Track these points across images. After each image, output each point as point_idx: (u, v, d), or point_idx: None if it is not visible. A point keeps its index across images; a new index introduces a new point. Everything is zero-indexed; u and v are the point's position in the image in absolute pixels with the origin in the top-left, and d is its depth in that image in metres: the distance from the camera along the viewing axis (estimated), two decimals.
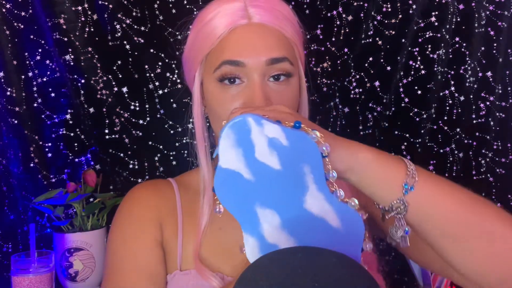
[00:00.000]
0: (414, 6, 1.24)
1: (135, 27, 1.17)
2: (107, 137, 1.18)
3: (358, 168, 0.62)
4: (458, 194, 0.64)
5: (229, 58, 0.75)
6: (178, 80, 1.20)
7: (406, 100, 1.26)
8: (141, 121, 1.19)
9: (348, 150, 0.62)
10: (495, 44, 1.24)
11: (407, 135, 1.27)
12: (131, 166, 1.19)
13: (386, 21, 1.25)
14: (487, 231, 0.63)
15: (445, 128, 1.27)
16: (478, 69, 1.25)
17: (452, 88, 1.26)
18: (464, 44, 1.25)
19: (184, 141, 1.21)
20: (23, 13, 1.11)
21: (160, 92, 1.20)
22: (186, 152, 1.21)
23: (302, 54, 0.83)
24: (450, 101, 1.26)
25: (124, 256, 0.80)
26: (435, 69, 1.25)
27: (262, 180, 0.59)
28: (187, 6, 1.19)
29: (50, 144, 1.15)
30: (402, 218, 0.62)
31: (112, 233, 0.85)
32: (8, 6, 1.10)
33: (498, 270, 0.63)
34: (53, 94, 1.15)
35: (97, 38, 1.16)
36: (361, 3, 1.24)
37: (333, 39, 1.26)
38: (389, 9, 1.24)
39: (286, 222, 0.59)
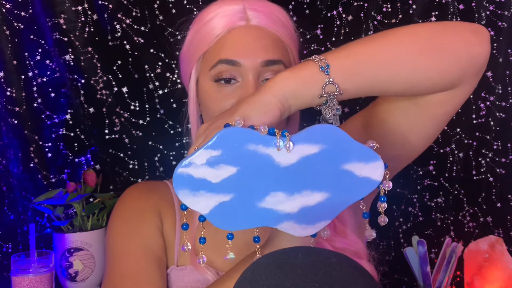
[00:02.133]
0: (414, 6, 1.24)
1: (135, 27, 1.17)
2: (107, 137, 1.18)
3: (281, 93, 0.63)
4: (367, 40, 0.67)
5: (225, 57, 0.77)
6: (178, 80, 1.20)
7: None
8: (141, 121, 1.19)
9: (263, 94, 0.62)
10: (495, 44, 1.24)
11: None
12: (131, 166, 1.19)
13: (386, 21, 1.25)
14: (421, 45, 0.66)
15: (445, 128, 1.27)
16: None
17: None
18: None
19: (184, 141, 1.21)
20: (23, 13, 1.11)
21: (160, 92, 1.20)
22: (186, 152, 1.20)
23: (296, 59, 0.85)
24: None
25: (130, 242, 0.81)
26: None
27: (238, 187, 0.59)
28: (187, 6, 1.19)
29: (50, 144, 1.15)
30: (334, 99, 0.64)
31: (113, 224, 0.85)
32: (8, 6, 1.10)
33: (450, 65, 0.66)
34: (53, 94, 1.15)
35: (97, 38, 1.16)
36: (361, 3, 1.24)
37: (333, 39, 1.25)
38: (389, 9, 1.24)
39: (288, 189, 0.59)
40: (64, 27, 1.13)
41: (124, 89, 1.18)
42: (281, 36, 0.80)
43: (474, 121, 1.26)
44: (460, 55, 0.67)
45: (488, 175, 1.26)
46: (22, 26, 1.11)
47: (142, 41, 1.17)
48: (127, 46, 1.17)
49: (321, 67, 0.63)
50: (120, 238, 0.82)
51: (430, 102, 0.71)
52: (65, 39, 1.13)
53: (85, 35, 1.15)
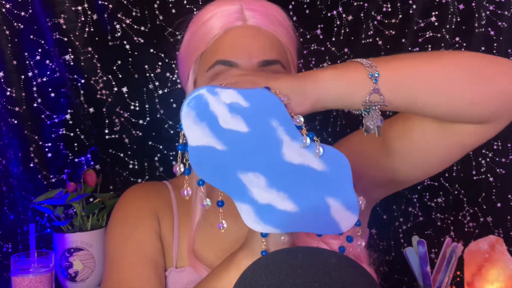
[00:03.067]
0: (414, 6, 1.24)
1: (135, 27, 1.17)
2: (107, 137, 1.18)
3: (325, 92, 0.62)
4: (419, 56, 0.68)
5: (222, 58, 0.76)
6: (178, 80, 1.20)
7: None
8: (141, 121, 1.19)
9: (306, 84, 0.62)
10: (495, 44, 1.24)
11: None
12: (131, 166, 1.19)
13: (386, 21, 1.25)
14: (470, 74, 0.65)
15: None
16: None
17: None
18: (464, 44, 1.25)
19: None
20: (23, 13, 1.11)
21: (160, 92, 1.20)
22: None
23: (295, 59, 0.85)
24: None
25: (127, 245, 0.81)
26: None
27: (236, 146, 0.58)
28: (187, 6, 1.19)
29: (50, 144, 1.15)
30: (378, 108, 0.64)
31: (111, 228, 0.85)
32: (8, 6, 1.10)
33: (487, 102, 0.66)
34: (53, 94, 1.15)
35: (97, 38, 1.16)
36: (361, 3, 1.24)
37: (333, 39, 1.25)
38: (389, 9, 1.24)
39: (272, 180, 0.59)
40: (64, 27, 1.13)
41: (124, 89, 1.18)
42: (278, 36, 0.80)
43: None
44: (505, 90, 0.67)
45: (488, 175, 1.26)
46: (22, 26, 1.11)
47: (142, 41, 1.17)
48: (127, 46, 1.17)
49: (370, 74, 0.63)
50: (117, 243, 0.83)
51: (460, 131, 0.71)
52: (65, 39, 1.13)
53: (85, 35, 1.15)
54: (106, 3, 1.15)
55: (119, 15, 1.16)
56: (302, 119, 0.59)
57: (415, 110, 0.68)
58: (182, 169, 0.61)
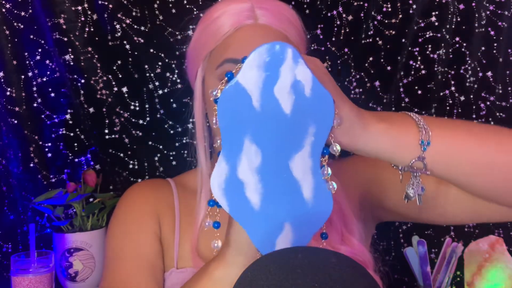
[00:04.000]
0: (414, 6, 1.24)
1: (135, 27, 1.17)
2: (107, 137, 1.18)
3: (372, 141, 0.61)
4: (473, 132, 0.64)
5: (232, 56, 0.76)
6: (178, 80, 1.20)
7: (406, 100, 1.26)
8: (141, 121, 1.19)
9: (359, 124, 0.60)
10: (495, 44, 1.24)
11: None
12: (131, 166, 1.19)
13: (386, 21, 1.25)
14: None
15: None
16: (479, 69, 1.25)
17: (453, 88, 1.26)
18: (465, 44, 1.25)
19: (184, 141, 1.21)
20: (23, 13, 1.11)
21: (160, 92, 1.20)
22: (186, 152, 1.20)
23: None
24: (450, 101, 1.26)
25: (124, 248, 0.81)
26: (435, 69, 1.25)
27: (267, 115, 0.56)
28: (187, 6, 1.19)
29: (50, 144, 1.15)
30: (419, 176, 0.62)
31: (111, 228, 0.85)
32: (8, 6, 1.10)
33: None
34: (53, 94, 1.15)
35: (97, 38, 1.15)
36: (361, 3, 1.24)
37: (333, 39, 1.25)
38: (389, 9, 1.24)
39: (264, 168, 0.57)
40: (64, 27, 1.13)
41: (124, 89, 1.18)
42: (289, 35, 0.79)
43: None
44: None
45: None
46: (22, 26, 1.11)
47: (142, 41, 1.17)
48: (127, 46, 1.17)
49: (422, 141, 0.61)
50: (115, 245, 0.82)
51: (491, 208, 0.70)
52: (65, 39, 1.13)
53: (85, 35, 1.14)
54: (106, 3, 1.15)
55: (119, 15, 1.16)
56: (339, 149, 0.58)
57: (455, 183, 0.66)
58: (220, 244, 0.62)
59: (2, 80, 1.10)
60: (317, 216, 0.59)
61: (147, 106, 1.19)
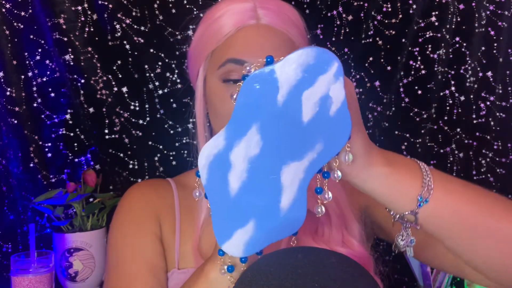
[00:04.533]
0: (414, 6, 1.24)
1: (135, 27, 1.17)
2: (107, 137, 1.18)
3: (370, 182, 0.60)
4: (473, 199, 0.62)
5: (234, 56, 0.75)
6: (178, 80, 1.20)
7: (406, 100, 1.26)
8: (141, 121, 1.19)
9: (364, 160, 0.59)
10: (495, 44, 1.24)
11: (407, 135, 1.27)
12: (131, 166, 1.19)
13: (386, 21, 1.25)
14: (504, 232, 0.61)
15: (446, 128, 1.27)
16: (479, 69, 1.25)
17: (453, 88, 1.26)
18: (465, 44, 1.25)
19: (184, 141, 1.21)
20: (23, 13, 1.11)
21: (160, 92, 1.20)
22: (186, 152, 1.20)
23: None
24: (451, 101, 1.26)
25: (125, 251, 0.81)
26: (435, 69, 1.25)
27: (284, 114, 0.55)
28: (187, 6, 1.19)
29: (49, 144, 1.15)
30: (409, 228, 0.61)
31: (112, 230, 0.85)
32: (8, 6, 1.10)
33: None
34: (52, 94, 1.15)
35: (97, 38, 1.16)
36: (361, 3, 1.24)
37: (333, 39, 1.25)
38: (389, 9, 1.24)
39: (257, 160, 0.56)
40: (64, 27, 1.13)
41: (124, 89, 1.18)
42: (291, 36, 0.78)
43: (474, 121, 1.26)
44: None
45: (489, 175, 1.26)
46: (22, 26, 1.11)
47: (142, 41, 1.17)
48: (127, 46, 1.17)
49: (420, 197, 0.59)
50: (116, 249, 0.82)
51: (484, 279, 0.68)
52: (65, 39, 1.13)
53: (85, 35, 1.15)
54: (106, 3, 1.15)
55: (119, 15, 1.16)
56: (340, 176, 0.57)
57: (443, 243, 0.64)
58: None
59: (2, 80, 1.10)
60: (283, 228, 0.58)
61: (147, 106, 1.19)
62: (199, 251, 0.82)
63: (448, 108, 1.26)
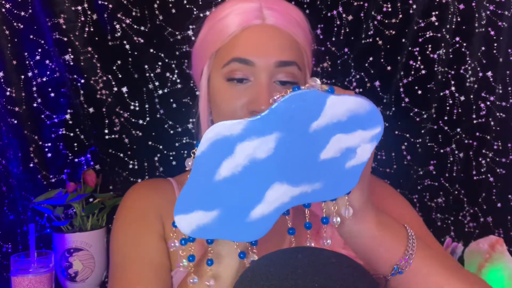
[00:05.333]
0: (414, 6, 1.24)
1: (135, 27, 1.17)
2: (106, 137, 1.18)
3: (356, 237, 0.63)
4: (449, 280, 0.64)
5: (239, 55, 0.75)
6: (178, 80, 1.20)
7: (406, 100, 1.26)
8: (141, 121, 1.19)
9: (358, 214, 0.61)
10: (495, 44, 1.24)
11: (407, 135, 1.27)
12: (130, 166, 1.19)
13: (386, 21, 1.25)
14: None
15: (445, 128, 1.27)
16: (479, 69, 1.25)
17: (453, 88, 1.26)
18: (465, 44, 1.25)
19: (184, 141, 1.21)
20: (22, 13, 1.11)
21: (160, 92, 1.19)
22: (186, 152, 1.20)
23: (310, 62, 0.84)
24: (451, 101, 1.26)
25: (128, 251, 0.81)
26: (435, 69, 1.25)
27: (307, 141, 0.56)
28: (187, 6, 1.19)
29: (49, 144, 1.15)
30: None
31: (115, 230, 0.85)
32: (8, 6, 1.10)
33: None
34: (52, 94, 1.15)
35: (97, 38, 1.15)
36: (361, 3, 1.24)
37: (333, 39, 1.25)
38: (389, 9, 1.24)
39: (258, 163, 0.56)
40: (64, 27, 1.13)
41: (124, 89, 1.18)
42: (296, 37, 0.79)
43: (474, 121, 1.26)
44: None
45: (489, 175, 1.26)
46: (22, 26, 1.11)
47: (142, 41, 1.17)
48: (127, 46, 1.17)
49: (396, 267, 0.62)
50: (120, 248, 0.82)
51: None
52: (65, 39, 1.13)
53: (85, 35, 1.14)
54: (106, 3, 1.15)
55: (119, 15, 1.16)
56: (339, 221, 0.59)
57: None
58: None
59: (2, 80, 1.10)
60: (239, 232, 0.58)
61: (147, 106, 1.19)
62: (204, 248, 0.82)
63: (448, 108, 1.26)
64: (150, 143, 1.20)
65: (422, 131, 1.27)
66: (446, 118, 1.27)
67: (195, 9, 1.18)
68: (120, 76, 1.18)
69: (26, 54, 1.12)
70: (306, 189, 0.57)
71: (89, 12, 1.15)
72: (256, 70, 0.75)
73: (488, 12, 1.23)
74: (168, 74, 1.20)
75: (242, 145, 0.55)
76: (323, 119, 0.55)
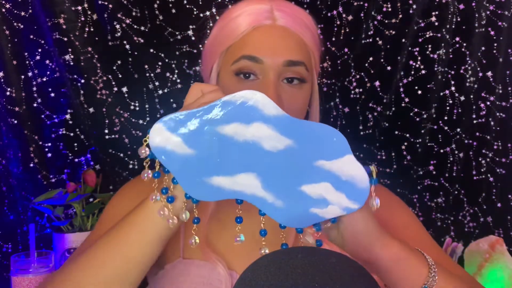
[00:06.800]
0: (414, 6, 1.24)
1: (135, 27, 1.17)
2: (107, 137, 1.18)
3: (376, 264, 0.64)
4: None
5: (248, 53, 0.77)
6: (178, 80, 1.20)
7: (406, 100, 1.26)
8: (141, 121, 1.19)
9: (378, 242, 0.63)
10: (495, 44, 1.24)
11: (407, 135, 1.27)
12: (131, 166, 1.19)
13: (386, 21, 1.25)
14: None
15: (445, 128, 1.27)
16: (478, 69, 1.25)
17: (452, 88, 1.26)
18: (464, 44, 1.25)
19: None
20: (22, 13, 1.11)
21: (160, 92, 1.20)
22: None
23: (317, 63, 0.86)
24: (450, 101, 1.26)
25: (104, 216, 0.81)
26: (435, 69, 1.25)
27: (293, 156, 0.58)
28: (187, 6, 1.19)
29: (49, 144, 1.15)
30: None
31: (105, 210, 0.85)
32: (8, 6, 1.10)
33: None
34: (52, 94, 1.15)
35: (97, 38, 1.16)
36: (361, 3, 1.24)
37: (333, 39, 1.25)
38: (389, 9, 1.24)
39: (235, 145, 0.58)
40: (64, 27, 1.13)
41: (124, 89, 1.18)
42: (305, 39, 0.81)
43: (474, 121, 1.26)
44: None
45: (489, 175, 1.26)
46: (22, 26, 1.11)
47: (142, 41, 1.17)
48: (127, 46, 1.17)
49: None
50: (110, 208, 0.83)
51: None
52: (65, 39, 1.13)
53: (85, 35, 1.15)
54: (106, 3, 1.15)
55: (119, 15, 1.16)
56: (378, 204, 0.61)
57: None
58: (198, 240, 0.65)
59: (2, 80, 1.10)
60: (192, 182, 0.59)
61: (147, 106, 1.19)
62: (206, 242, 0.82)
63: (448, 108, 1.26)
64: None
65: (422, 131, 1.27)
66: (446, 118, 1.27)
67: (195, 9, 1.18)
68: (120, 76, 1.18)
69: (26, 54, 1.12)
70: (269, 198, 0.59)
71: (89, 12, 1.15)
72: (265, 68, 0.77)
73: (488, 12, 1.23)
74: (168, 74, 1.20)
75: (261, 126, 0.57)
76: (331, 164, 0.58)
